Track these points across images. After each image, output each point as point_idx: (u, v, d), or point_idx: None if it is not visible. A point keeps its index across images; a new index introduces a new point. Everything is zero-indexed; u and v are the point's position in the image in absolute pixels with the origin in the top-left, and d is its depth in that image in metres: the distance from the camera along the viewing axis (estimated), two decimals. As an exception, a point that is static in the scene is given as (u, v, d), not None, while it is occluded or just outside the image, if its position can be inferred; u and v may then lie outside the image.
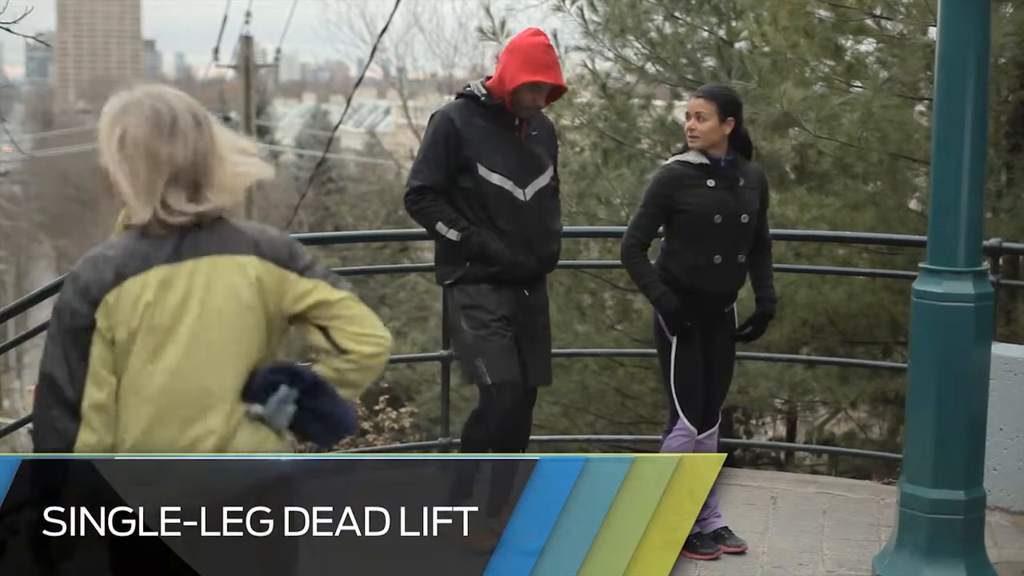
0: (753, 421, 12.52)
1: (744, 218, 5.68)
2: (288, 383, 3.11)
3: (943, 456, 5.25)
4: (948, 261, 5.20)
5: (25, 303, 6.65)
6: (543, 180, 5.57)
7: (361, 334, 3.14)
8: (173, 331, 3.01)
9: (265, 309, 3.10)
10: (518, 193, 5.47)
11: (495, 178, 5.44)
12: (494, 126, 5.49)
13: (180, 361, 3.01)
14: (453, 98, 5.68)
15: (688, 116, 5.66)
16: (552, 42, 5.67)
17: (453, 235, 5.39)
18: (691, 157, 5.68)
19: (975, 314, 5.17)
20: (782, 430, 12.73)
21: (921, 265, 5.30)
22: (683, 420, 5.75)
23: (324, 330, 3.14)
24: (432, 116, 5.60)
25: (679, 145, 5.96)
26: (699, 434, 5.81)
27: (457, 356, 5.68)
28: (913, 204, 9.64)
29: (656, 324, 5.75)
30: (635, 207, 10.56)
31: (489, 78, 5.59)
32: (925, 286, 5.25)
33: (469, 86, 5.59)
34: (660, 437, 10.56)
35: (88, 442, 2.97)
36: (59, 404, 2.98)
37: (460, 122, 5.45)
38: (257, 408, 3.10)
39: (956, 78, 5.13)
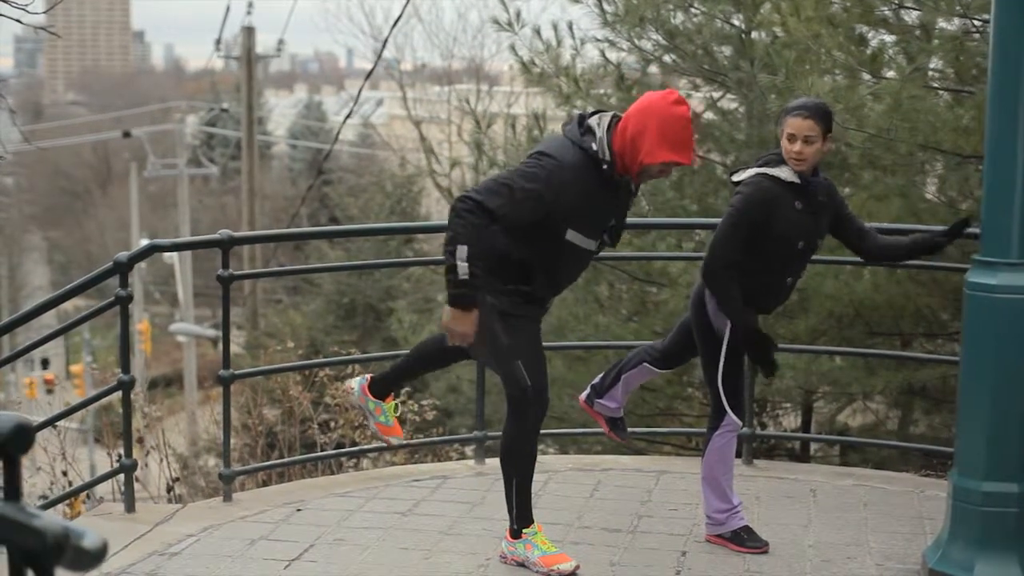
0: (767, 413, 12.46)
1: (820, 242, 5.68)
2: None
3: (996, 449, 5.22)
4: (1002, 253, 5.16)
5: (53, 301, 6.59)
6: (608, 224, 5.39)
7: None
8: None
9: None
10: (588, 244, 5.28)
11: (578, 238, 5.22)
12: (606, 192, 5.19)
13: None
14: (560, 133, 5.26)
15: (793, 138, 5.43)
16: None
17: (462, 268, 4.95)
18: (783, 174, 5.49)
19: (1030, 306, 5.14)
20: (792, 422, 12.68)
21: (974, 257, 5.26)
22: (731, 416, 5.72)
23: None
24: (547, 156, 5.11)
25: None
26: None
27: (491, 353, 5.49)
28: (931, 195, 9.60)
29: (705, 322, 5.68)
30: (654, 198, 10.60)
31: (616, 117, 5.20)
32: (979, 278, 5.21)
33: (594, 144, 5.13)
34: (678, 430, 10.65)
35: None
36: None
37: (573, 192, 5.07)
38: None
39: (1010, 69, 5.09)
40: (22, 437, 2.51)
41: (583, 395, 6.22)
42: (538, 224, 5.14)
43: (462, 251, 4.97)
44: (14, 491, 2.57)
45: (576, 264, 5.40)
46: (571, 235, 5.21)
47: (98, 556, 2.81)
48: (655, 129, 5.07)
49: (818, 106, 5.52)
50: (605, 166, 5.14)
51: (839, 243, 9.17)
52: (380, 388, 5.78)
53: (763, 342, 5.57)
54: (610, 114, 5.25)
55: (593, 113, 5.29)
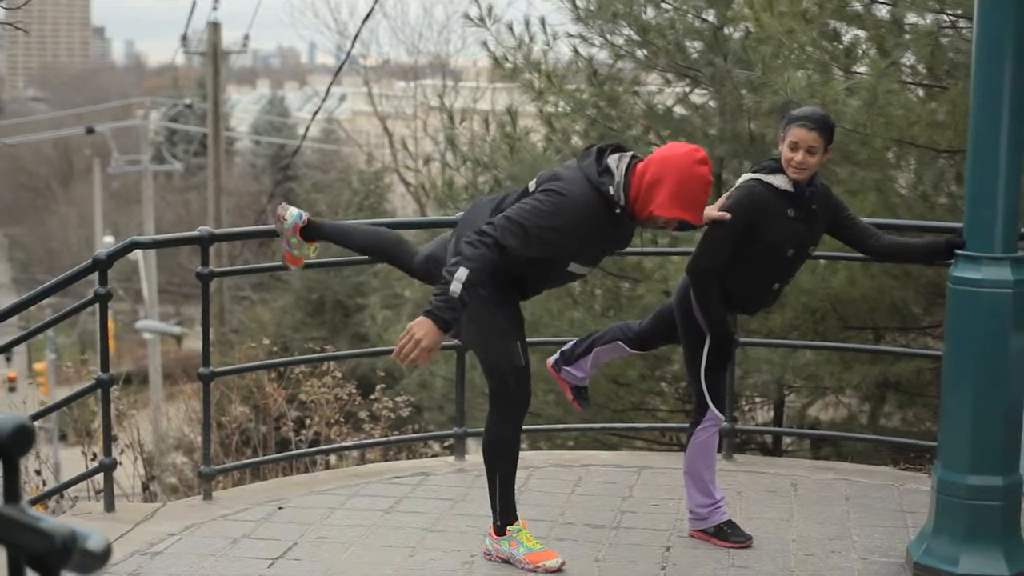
0: (738, 407, 12.50)
1: (811, 250, 5.66)
2: None
3: (980, 442, 5.24)
4: (985, 247, 5.19)
5: (33, 299, 6.52)
6: None
7: None
8: None
9: None
10: (584, 271, 5.36)
11: (576, 267, 5.28)
12: (615, 229, 5.18)
13: None
14: (574, 167, 5.15)
15: (796, 147, 5.38)
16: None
17: (455, 286, 4.86)
18: (777, 181, 5.47)
19: (1014, 300, 5.16)
20: (762, 416, 12.72)
21: (958, 251, 5.29)
22: (713, 411, 5.72)
23: None
24: (562, 195, 5.04)
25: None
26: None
27: (484, 335, 5.36)
28: (905, 189, 9.64)
29: (689, 317, 5.68)
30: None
31: (635, 158, 5.13)
32: (963, 272, 5.24)
33: (611, 188, 5.05)
34: (654, 425, 10.65)
35: None
36: None
37: (583, 232, 5.06)
38: None
39: (994, 64, 5.11)
40: (23, 438, 2.47)
41: (551, 360, 6.20)
42: (542, 255, 5.15)
43: (462, 273, 4.89)
44: (15, 493, 2.53)
45: (568, 280, 5.52)
46: (572, 266, 5.27)
47: (103, 558, 2.78)
48: (673, 183, 5.00)
49: (823, 118, 5.47)
50: (618, 210, 5.11)
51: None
52: (312, 234, 5.79)
53: (727, 342, 5.63)
54: (629, 155, 5.17)
55: (612, 149, 5.20)
